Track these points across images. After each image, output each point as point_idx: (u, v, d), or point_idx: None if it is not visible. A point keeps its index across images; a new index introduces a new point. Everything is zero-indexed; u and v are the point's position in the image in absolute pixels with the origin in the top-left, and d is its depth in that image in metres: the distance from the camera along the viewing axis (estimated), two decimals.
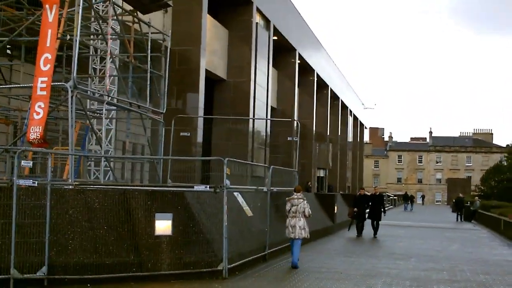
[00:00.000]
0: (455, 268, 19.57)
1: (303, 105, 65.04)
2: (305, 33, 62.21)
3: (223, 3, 42.51)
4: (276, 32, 50.71)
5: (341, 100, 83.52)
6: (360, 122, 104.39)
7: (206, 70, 38.14)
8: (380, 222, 30.94)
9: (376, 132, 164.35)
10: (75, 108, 16.13)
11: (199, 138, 34.59)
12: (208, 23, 38.93)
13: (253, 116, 42.67)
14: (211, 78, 41.12)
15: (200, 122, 34.66)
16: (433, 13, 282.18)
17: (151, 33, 22.35)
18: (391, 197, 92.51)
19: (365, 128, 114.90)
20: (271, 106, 54.14)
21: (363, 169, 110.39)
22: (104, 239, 13.93)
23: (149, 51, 21.04)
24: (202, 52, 34.70)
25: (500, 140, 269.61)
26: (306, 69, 63.63)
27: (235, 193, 19.21)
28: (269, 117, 48.42)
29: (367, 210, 30.84)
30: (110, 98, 19.68)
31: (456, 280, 16.99)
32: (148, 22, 21.51)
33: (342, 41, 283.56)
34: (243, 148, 42.35)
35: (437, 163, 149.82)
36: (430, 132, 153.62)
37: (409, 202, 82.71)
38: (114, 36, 21.19)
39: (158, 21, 23.60)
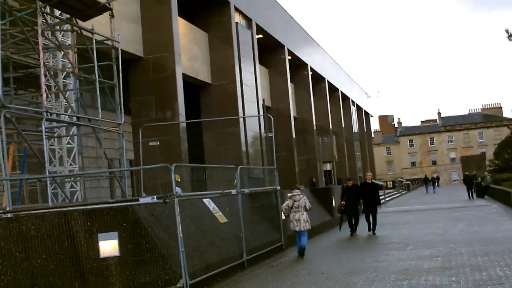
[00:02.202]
0: (452, 253, 18.06)
1: (301, 100, 63.65)
2: (292, 28, 60.58)
3: (199, 6, 41.16)
4: (260, 30, 49.19)
5: (341, 92, 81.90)
6: (364, 111, 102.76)
7: (188, 76, 36.82)
8: (377, 215, 26.40)
9: (385, 119, 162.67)
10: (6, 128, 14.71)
11: (184, 146, 33.06)
12: (184, 28, 37.61)
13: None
14: (194, 83, 39.81)
15: (183, 129, 33.19)
16: None
17: (104, 41, 20.98)
18: (403, 182, 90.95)
19: (371, 116, 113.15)
20: (267, 106, 52.74)
21: (373, 157, 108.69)
22: (42, 269, 12.51)
23: (95, 60, 19.50)
24: (177, 57, 33.19)
25: (510, 112, 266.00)
26: (299, 64, 62.13)
27: (206, 200, 17.87)
28: (261, 116, 46.80)
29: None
30: (50, 114, 18.16)
31: (449, 267, 15.43)
32: (91, 29, 20.02)
33: (337, 33, 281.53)
34: (236, 151, 40.89)
35: (450, 142, 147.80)
36: (439, 113, 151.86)
37: (430, 184, 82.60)
38: (53, 47, 19.84)
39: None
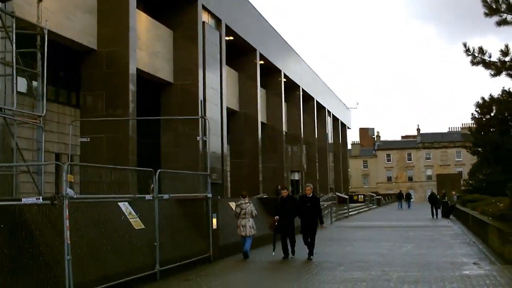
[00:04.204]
0: (381, 277, 16.83)
1: (271, 107, 62.08)
2: (267, 32, 59.13)
3: (165, 2, 39.89)
4: (231, 31, 47.84)
5: (317, 101, 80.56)
6: (341, 122, 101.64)
7: (147, 73, 35.58)
8: (315, 236, 22.10)
9: (366, 132, 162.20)
10: None
11: (133, 145, 31.57)
12: (147, 23, 36.38)
13: (204, 120, 39.55)
14: (156, 81, 38.52)
15: (133, 127, 31.71)
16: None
17: (31, 25, 19.63)
18: (374, 197, 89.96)
19: (348, 128, 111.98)
20: (233, 109, 51.51)
21: (347, 169, 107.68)
22: None
23: (13, 45, 18.13)
24: (131, 52, 31.75)
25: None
26: (272, 69, 60.67)
27: (121, 203, 16.57)
28: (225, 121, 45.50)
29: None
30: None
31: None
32: (12, 12, 18.66)
33: (318, 44, 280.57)
34: (194, 154, 39.52)
35: (427, 159, 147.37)
36: (418, 129, 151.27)
37: (405, 200, 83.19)
38: None
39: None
